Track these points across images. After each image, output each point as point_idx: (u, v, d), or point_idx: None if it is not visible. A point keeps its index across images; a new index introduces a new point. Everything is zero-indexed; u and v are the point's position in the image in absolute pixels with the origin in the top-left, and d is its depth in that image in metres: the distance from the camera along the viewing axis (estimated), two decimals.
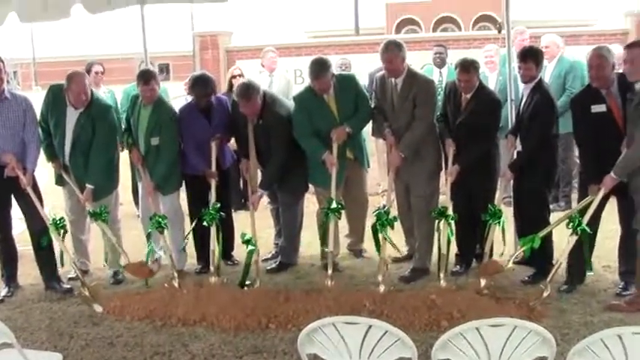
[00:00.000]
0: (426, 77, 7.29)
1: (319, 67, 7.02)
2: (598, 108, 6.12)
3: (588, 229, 6.01)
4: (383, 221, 6.57)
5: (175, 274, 6.89)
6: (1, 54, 6.90)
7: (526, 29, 10.02)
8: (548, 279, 6.05)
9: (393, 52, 6.90)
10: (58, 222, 6.81)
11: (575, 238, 6.04)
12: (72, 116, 6.97)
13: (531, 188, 6.71)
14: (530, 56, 6.66)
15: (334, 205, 6.78)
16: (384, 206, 6.79)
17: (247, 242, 6.86)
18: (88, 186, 6.97)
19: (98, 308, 6.39)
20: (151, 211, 7.18)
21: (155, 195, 7.33)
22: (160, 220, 7.05)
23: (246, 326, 5.86)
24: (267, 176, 7.23)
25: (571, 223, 6.06)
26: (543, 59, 6.94)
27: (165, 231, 7.19)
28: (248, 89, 7.04)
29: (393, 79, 7.01)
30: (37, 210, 6.80)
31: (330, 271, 6.63)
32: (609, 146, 6.01)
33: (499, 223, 6.57)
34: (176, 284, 6.78)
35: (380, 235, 6.62)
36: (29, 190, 6.72)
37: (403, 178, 7.13)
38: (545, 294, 5.96)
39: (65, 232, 6.94)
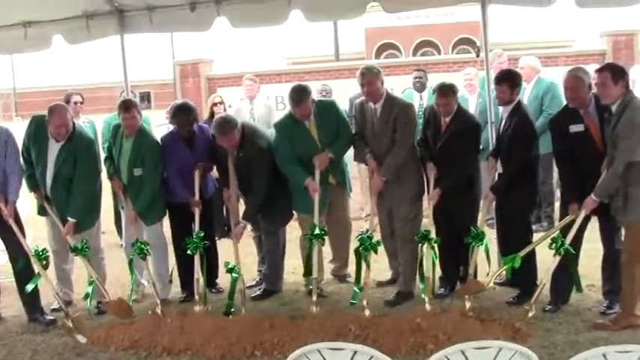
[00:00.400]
0: (405, 101, 7.36)
1: (300, 94, 7.05)
2: (576, 128, 6.19)
3: (571, 249, 6.05)
4: (366, 245, 6.58)
5: (159, 302, 6.87)
6: None
7: (504, 52, 10.11)
8: (533, 299, 6.07)
9: (372, 74, 6.95)
10: (41, 253, 6.78)
11: (558, 258, 6.08)
12: (53, 149, 6.95)
13: (514, 209, 6.74)
14: (505, 80, 6.71)
15: (317, 231, 6.79)
16: (367, 230, 6.80)
17: (231, 271, 6.84)
18: (70, 220, 6.95)
19: (82, 339, 6.34)
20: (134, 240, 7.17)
21: (138, 223, 7.30)
22: (143, 246, 7.03)
23: (232, 354, 5.83)
24: (250, 208, 7.23)
25: (554, 244, 6.10)
26: (521, 82, 6.99)
27: (149, 259, 7.18)
28: (224, 124, 7.06)
29: (372, 104, 7.04)
30: (19, 242, 6.76)
31: (314, 298, 6.62)
32: (588, 165, 6.08)
33: (482, 244, 6.59)
34: (159, 311, 6.75)
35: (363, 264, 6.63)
36: (11, 221, 6.69)
37: (386, 202, 7.15)
38: (530, 314, 5.98)
39: (47, 263, 6.91)
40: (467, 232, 6.65)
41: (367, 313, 6.38)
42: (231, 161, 7.21)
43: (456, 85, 7.07)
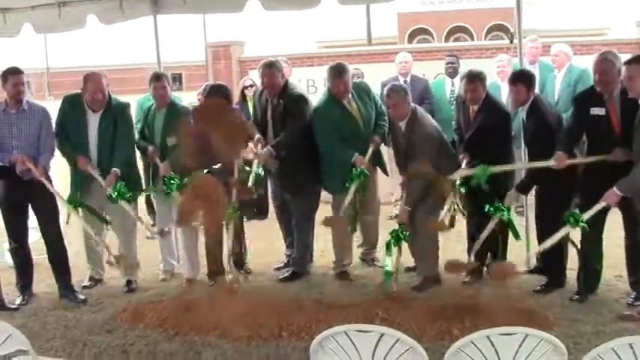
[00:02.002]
0: (426, 127, 6.96)
1: (340, 68, 7.11)
2: (597, 111, 6.13)
3: (587, 227, 5.93)
4: (398, 234, 6.59)
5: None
6: (10, 64, 6.97)
7: (538, 38, 9.99)
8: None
9: (399, 96, 6.90)
10: (74, 200, 6.85)
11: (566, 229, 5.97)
12: (93, 121, 7.05)
13: (551, 204, 6.64)
14: (520, 80, 6.59)
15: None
16: (397, 215, 6.81)
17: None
18: (113, 170, 6.92)
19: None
20: (169, 224, 7.27)
21: (168, 209, 7.37)
22: (172, 180, 7.03)
23: (259, 335, 5.87)
24: (280, 141, 7.15)
25: (571, 218, 5.95)
26: (535, 82, 6.83)
27: (179, 240, 7.26)
28: (273, 61, 7.31)
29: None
30: (53, 220, 6.80)
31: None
32: (603, 149, 6.02)
33: (504, 215, 6.45)
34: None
35: (394, 249, 6.63)
36: (43, 180, 6.66)
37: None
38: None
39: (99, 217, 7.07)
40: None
41: (395, 287, 6.46)
42: (269, 110, 7.29)
43: (484, 73, 6.99)
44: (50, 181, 6.95)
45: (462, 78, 6.98)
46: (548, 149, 6.37)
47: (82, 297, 7.05)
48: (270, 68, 7.20)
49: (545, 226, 6.64)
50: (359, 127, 7.14)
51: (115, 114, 7.09)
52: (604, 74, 6.08)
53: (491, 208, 6.48)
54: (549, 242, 6.12)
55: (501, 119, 6.89)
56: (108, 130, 7.03)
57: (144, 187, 7.61)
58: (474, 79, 6.82)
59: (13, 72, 6.81)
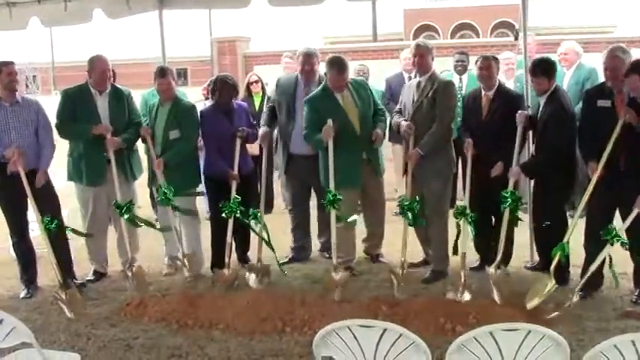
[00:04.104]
0: (447, 79, 7.32)
1: (340, 62, 7.19)
2: (603, 103, 6.21)
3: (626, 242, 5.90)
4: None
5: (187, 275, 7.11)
6: (17, 59, 7.04)
7: (532, 34, 9.88)
8: (579, 287, 6.01)
9: (425, 48, 7.14)
10: (48, 224, 6.74)
11: (608, 249, 5.93)
12: (102, 102, 7.22)
13: (550, 198, 6.66)
14: (541, 71, 6.66)
15: (331, 197, 6.83)
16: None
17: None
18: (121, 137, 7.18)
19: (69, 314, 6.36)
20: (169, 215, 7.26)
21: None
22: (166, 192, 7.09)
23: (262, 330, 5.89)
24: None
25: (607, 235, 5.90)
26: (556, 70, 6.87)
27: (183, 235, 7.30)
28: (312, 50, 7.80)
29: (418, 77, 7.17)
30: (54, 210, 6.78)
31: (335, 260, 6.80)
32: (608, 142, 6.00)
33: (515, 206, 6.52)
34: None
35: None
36: (28, 191, 6.63)
37: (418, 183, 7.03)
38: (574, 299, 5.90)
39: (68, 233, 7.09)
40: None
41: (398, 293, 6.45)
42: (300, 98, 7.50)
43: (498, 58, 7.28)
44: (52, 191, 7.07)
45: (477, 60, 7.09)
46: (560, 137, 6.49)
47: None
48: (311, 57, 7.63)
49: (542, 223, 6.69)
50: (347, 120, 7.14)
51: (118, 95, 7.34)
52: (615, 71, 6.14)
53: (503, 200, 6.54)
54: (594, 266, 6.06)
55: (515, 101, 7.04)
56: (118, 108, 7.26)
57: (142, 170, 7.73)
58: (488, 57, 7.07)
59: (6, 63, 6.93)
